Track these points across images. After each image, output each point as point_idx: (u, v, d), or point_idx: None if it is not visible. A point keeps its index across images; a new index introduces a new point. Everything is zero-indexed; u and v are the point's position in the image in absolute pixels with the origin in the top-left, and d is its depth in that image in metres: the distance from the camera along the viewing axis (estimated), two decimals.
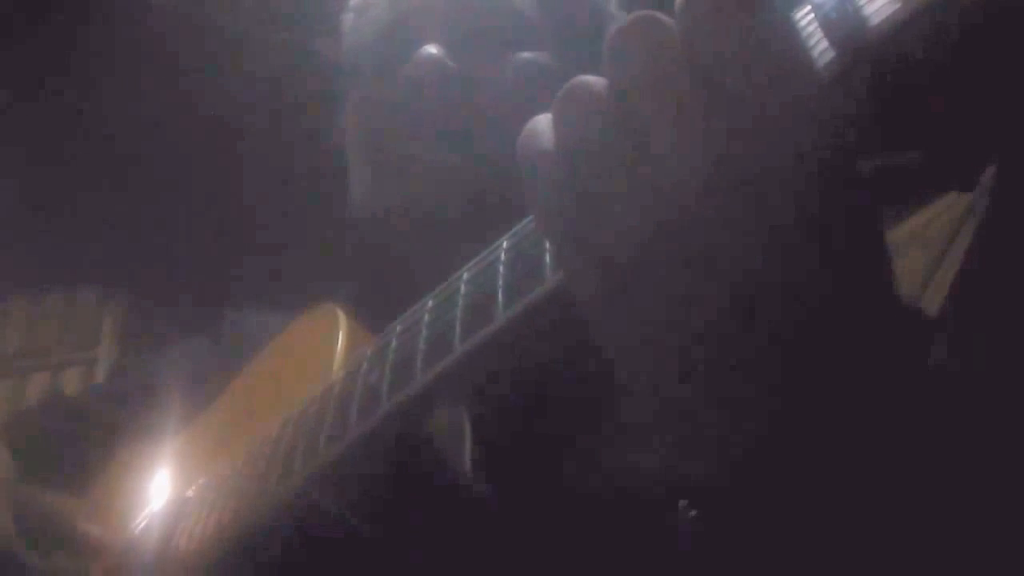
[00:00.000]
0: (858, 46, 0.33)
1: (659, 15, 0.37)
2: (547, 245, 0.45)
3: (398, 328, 0.55)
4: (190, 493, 0.71)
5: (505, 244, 0.49)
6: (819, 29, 0.35)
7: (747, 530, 0.40)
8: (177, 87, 1.90)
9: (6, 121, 1.89)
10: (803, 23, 0.35)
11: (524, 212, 0.47)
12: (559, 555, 0.54)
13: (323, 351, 0.65)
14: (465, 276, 0.51)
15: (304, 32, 1.74)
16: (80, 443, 0.89)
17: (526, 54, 0.72)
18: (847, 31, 0.33)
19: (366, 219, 0.75)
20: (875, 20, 0.33)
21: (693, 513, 0.45)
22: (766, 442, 0.37)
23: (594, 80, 0.38)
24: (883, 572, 0.37)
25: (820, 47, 0.35)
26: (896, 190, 0.45)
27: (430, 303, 0.53)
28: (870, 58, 0.33)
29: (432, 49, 0.70)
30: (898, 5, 0.32)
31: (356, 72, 0.78)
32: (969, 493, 0.37)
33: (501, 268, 0.48)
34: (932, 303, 0.49)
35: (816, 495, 0.38)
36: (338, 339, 0.65)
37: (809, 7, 0.35)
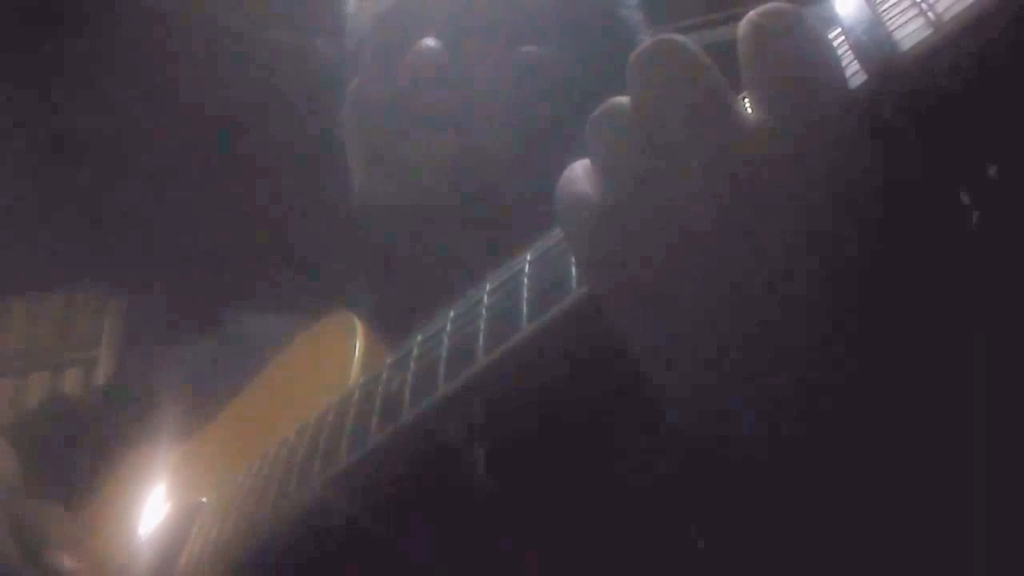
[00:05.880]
0: (890, 70, 0.34)
1: (678, 37, 0.37)
2: (572, 257, 0.46)
3: (419, 337, 0.55)
4: (205, 499, 0.72)
5: (529, 256, 0.49)
6: (850, 52, 0.35)
7: (755, 555, 0.41)
8: (178, 87, 1.90)
9: (5, 121, 1.89)
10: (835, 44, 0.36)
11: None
12: (572, 564, 0.54)
13: (340, 359, 0.65)
14: (488, 287, 0.51)
15: (307, 32, 1.74)
16: (81, 446, 0.89)
17: (530, 48, 0.72)
18: (879, 55, 0.34)
19: (364, 213, 0.75)
20: (906, 45, 0.34)
21: (701, 544, 0.46)
22: (799, 449, 0.38)
23: (622, 101, 0.39)
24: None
25: (851, 70, 0.35)
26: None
27: (452, 313, 0.53)
28: (902, 82, 0.34)
29: (430, 42, 0.70)
30: (930, 31, 0.33)
31: (356, 59, 0.78)
32: (970, 492, 0.37)
33: (526, 280, 0.48)
34: None
35: (841, 509, 0.39)
36: (355, 347, 0.65)
37: (840, 29, 0.36)
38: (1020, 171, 0.37)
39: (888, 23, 0.34)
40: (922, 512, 0.38)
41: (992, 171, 0.37)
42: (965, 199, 0.38)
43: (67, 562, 0.73)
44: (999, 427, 0.37)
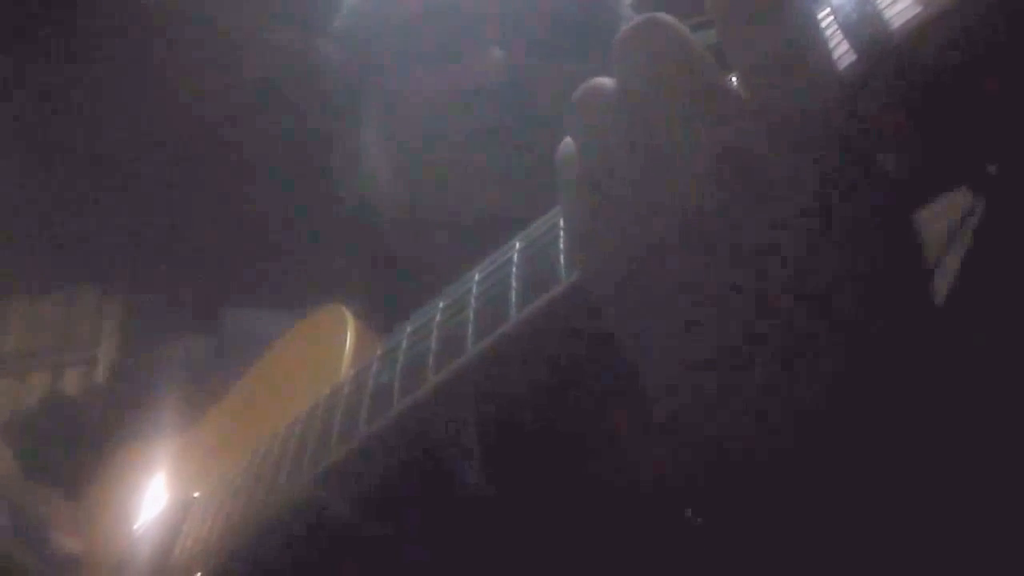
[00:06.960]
0: (880, 49, 0.33)
1: (664, 16, 0.37)
2: (560, 245, 0.45)
3: (408, 328, 0.55)
4: (196, 494, 0.71)
5: (518, 244, 0.49)
6: (839, 31, 0.35)
7: (751, 537, 0.40)
8: (178, 86, 1.90)
9: (5, 121, 1.89)
10: (823, 25, 0.35)
11: None
12: (564, 556, 0.54)
13: (331, 352, 0.65)
14: (477, 276, 0.51)
15: (305, 31, 1.74)
16: (80, 444, 0.89)
17: (575, 66, 0.71)
18: (868, 34, 0.33)
19: (391, 217, 0.74)
20: (896, 23, 0.33)
21: (699, 521, 0.45)
22: (787, 439, 0.37)
23: (606, 81, 0.39)
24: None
25: (840, 50, 0.35)
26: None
27: (441, 303, 0.53)
28: (892, 61, 0.33)
29: (497, 52, 0.68)
30: (920, 8, 0.32)
31: (379, 47, 0.75)
32: (970, 491, 0.37)
33: (514, 268, 0.48)
34: None
35: (831, 501, 0.38)
36: (346, 340, 0.65)
37: (828, 9, 0.35)
38: (1020, 167, 0.37)
39: (878, 1, 0.34)
40: (917, 506, 0.37)
41: (992, 168, 0.37)
42: (966, 196, 0.37)
43: (71, 545, 0.73)
44: (997, 423, 0.37)
